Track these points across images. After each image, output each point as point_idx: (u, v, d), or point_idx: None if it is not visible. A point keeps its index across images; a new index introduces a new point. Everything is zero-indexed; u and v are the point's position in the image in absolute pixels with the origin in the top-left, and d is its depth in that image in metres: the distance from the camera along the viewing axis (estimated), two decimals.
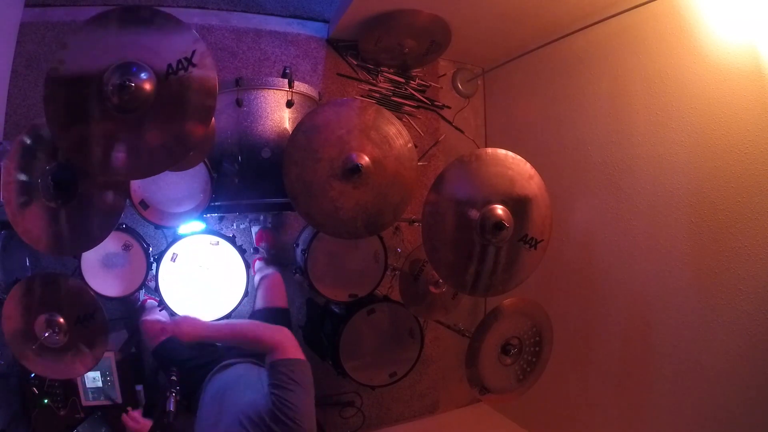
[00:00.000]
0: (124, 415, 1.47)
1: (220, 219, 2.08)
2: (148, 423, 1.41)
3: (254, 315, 1.88)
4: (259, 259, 2.19)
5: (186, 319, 1.50)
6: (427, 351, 2.57)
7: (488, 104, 2.91)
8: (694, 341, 1.68)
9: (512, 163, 1.36)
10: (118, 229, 1.65)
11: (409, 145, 1.43)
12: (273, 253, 2.23)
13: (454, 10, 2.12)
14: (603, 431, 2.06)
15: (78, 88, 1.02)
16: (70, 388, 1.73)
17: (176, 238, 1.65)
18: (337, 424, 2.43)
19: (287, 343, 1.31)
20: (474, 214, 1.33)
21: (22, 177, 1.16)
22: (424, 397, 2.72)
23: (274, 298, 1.91)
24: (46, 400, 1.71)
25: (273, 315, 1.85)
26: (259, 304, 1.90)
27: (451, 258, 1.37)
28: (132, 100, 1.01)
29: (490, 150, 1.35)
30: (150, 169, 1.11)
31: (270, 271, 2.04)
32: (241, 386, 1.33)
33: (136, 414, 1.49)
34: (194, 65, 1.03)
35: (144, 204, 1.57)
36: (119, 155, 1.06)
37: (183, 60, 1.03)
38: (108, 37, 1.02)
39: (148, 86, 1.02)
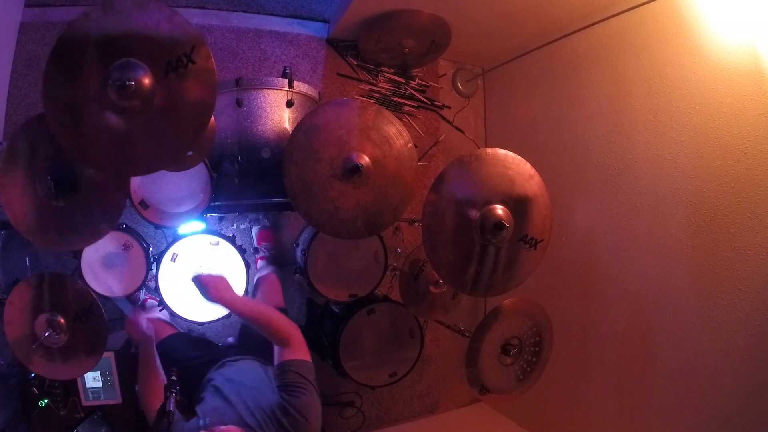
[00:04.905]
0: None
1: (220, 219, 2.08)
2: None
3: None
4: (262, 258, 2.19)
5: (222, 280, 1.51)
6: (427, 351, 2.56)
7: (488, 104, 2.91)
8: (694, 341, 1.68)
9: (512, 163, 1.35)
10: (118, 229, 1.65)
11: (409, 145, 1.43)
12: (273, 253, 2.22)
13: (454, 10, 2.12)
14: (603, 431, 2.06)
15: (78, 86, 1.02)
16: (70, 388, 1.72)
17: (176, 238, 1.65)
18: (337, 424, 2.43)
19: (299, 341, 1.36)
20: (474, 214, 1.33)
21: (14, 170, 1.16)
22: (424, 397, 2.72)
23: (270, 298, 1.90)
24: (46, 400, 1.70)
25: None
26: None
27: (451, 258, 1.37)
28: (131, 97, 1.01)
29: (490, 150, 1.35)
30: (149, 168, 1.11)
31: (267, 271, 2.03)
32: (248, 381, 1.34)
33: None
34: (194, 62, 1.03)
35: (144, 204, 1.57)
36: (119, 152, 1.06)
37: (182, 56, 1.03)
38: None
39: (146, 81, 1.02)
